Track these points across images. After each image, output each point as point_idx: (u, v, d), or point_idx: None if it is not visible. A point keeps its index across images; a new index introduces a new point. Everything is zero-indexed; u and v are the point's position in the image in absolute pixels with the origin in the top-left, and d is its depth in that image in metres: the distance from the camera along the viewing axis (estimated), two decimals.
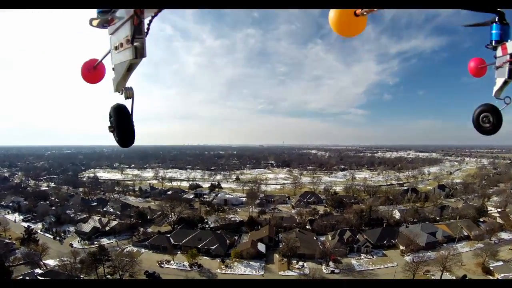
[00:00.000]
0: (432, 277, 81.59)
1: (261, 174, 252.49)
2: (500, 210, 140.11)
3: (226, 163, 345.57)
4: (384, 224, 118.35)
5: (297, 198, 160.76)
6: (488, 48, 6.60)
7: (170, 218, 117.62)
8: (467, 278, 75.65)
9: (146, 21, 3.60)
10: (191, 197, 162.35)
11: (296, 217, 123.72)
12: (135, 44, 3.59)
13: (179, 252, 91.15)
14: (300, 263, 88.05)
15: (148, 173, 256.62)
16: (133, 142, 4.34)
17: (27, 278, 71.03)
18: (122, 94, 4.26)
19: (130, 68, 3.95)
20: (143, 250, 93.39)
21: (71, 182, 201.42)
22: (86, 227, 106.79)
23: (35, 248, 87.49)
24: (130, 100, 4.31)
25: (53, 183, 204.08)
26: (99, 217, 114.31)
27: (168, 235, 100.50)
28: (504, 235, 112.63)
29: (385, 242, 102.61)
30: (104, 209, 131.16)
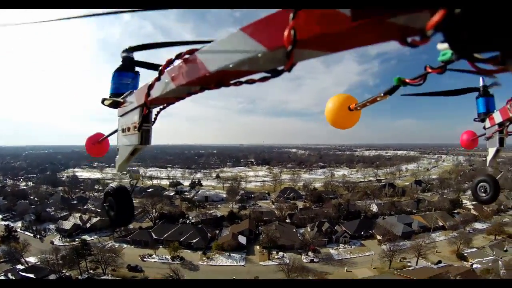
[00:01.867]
0: (408, 264, 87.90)
1: (241, 172, 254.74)
2: (474, 202, 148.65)
3: (207, 162, 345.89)
4: (362, 216, 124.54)
5: (276, 194, 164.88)
6: (476, 121, 7.35)
7: (151, 214, 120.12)
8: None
9: (154, 111, 3.84)
10: (172, 194, 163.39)
11: (276, 212, 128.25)
12: (142, 131, 3.84)
13: (160, 246, 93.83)
14: (280, 253, 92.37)
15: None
16: (129, 224, 4.76)
17: (9, 274, 71.89)
18: (126, 174, 4.71)
19: (134, 152, 4.25)
20: (124, 245, 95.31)
21: (50, 181, 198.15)
22: (67, 225, 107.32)
23: (15, 246, 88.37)
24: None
25: (31, 183, 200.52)
26: (79, 215, 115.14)
27: (150, 230, 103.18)
28: (478, 225, 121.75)
29: (362, 232, 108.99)
30: (85, 207, 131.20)
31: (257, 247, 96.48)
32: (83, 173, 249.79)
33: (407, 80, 2.55)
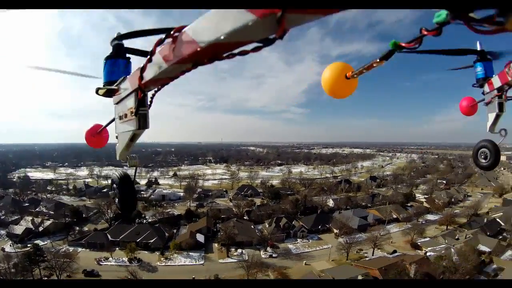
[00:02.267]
0: (365, 254, 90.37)
1: (199, 170, 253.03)
2: (426, 196, 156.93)
3: (164, 160, 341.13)
4: (319, 211, 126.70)
5: (234, 192, 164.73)
6: (475, 86, 7.38)
7: (106, 215, 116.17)
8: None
9: (150, 94, 3.83)
10: None
11: (233, 209, 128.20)
12: (138, 115, 3.86)
13: (117, 248, 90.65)
14: (239, 250, 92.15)
15: (83, 172, 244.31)
16: (135, 210, 5.78)
17: None
18: (126, 162, 4.83)
19: (133, 138, 4.32)
20: (79, 249, 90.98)
21: (0, 183, 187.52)
22: (18, 229, 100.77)
23: None
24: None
25: None
26: (31, 218, 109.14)
27: (106, 232, 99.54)
28: (430, 217, 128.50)
29: (319, 227, 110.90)
30: (37, 209, 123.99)
31: (216, 245, 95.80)
32: (35, 173, 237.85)
33: (403, 44, 2.47)
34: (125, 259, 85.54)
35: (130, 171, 5.13)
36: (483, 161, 7.61)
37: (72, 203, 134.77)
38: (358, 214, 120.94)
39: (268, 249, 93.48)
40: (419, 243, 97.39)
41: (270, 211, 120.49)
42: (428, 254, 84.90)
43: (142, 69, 3.21)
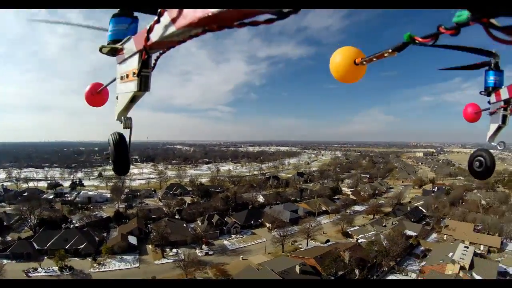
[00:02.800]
0: (300, 246, 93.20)
1: None
2: (352, 189, 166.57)
3: (88, 160, 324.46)
4: (250, 207, 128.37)
5: (163, 191, 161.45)
6: (483, 94, 7.29)
7: (30, 222, 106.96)
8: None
9: (154, 56, 3.82)
10: (51, 197, 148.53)
11: (164, 208, 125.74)
12: (141, 77, 3.88)
13: (45, 257, 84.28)
14: (174, 250, 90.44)
15: (0, 174, 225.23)
16: (127, 171, 4.84)
17: None
18: (121, 123, 4.73)
19: (133, 99, 4.29)
20: (5, 260, 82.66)
21: None
22: None
23: None
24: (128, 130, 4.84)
25: None
26: None
27: (31, 240, 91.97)
28: (357, 208, 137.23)
29: (252, 222, 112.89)
30: None
31: (149, 246, 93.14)
32: None
33: (418, 38, 2.50)
34: (56, 268, 79.73)
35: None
36: (477, 169, 7.69)
37: None
38: (289, 208, 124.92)
39: (204, 247, 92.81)
40: (349, 232, 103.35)
41: (201, 209, 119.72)
42: (359, 241, 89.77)
43: (149, 30, 3.18)
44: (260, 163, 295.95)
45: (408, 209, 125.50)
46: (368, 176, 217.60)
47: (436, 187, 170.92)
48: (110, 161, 4.65)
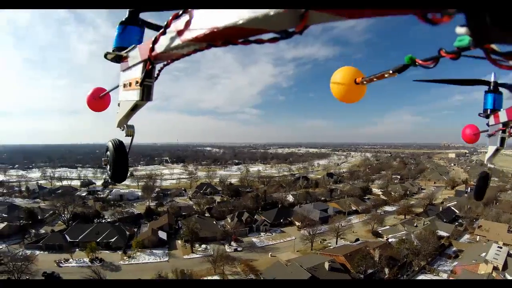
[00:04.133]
0: (329, 244, 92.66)
1: (156, 170, 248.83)
2: (382, 190, 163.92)
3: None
4: (279, 205, 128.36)
5: (193, 190, 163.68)
6: (481, 116, 7.35)
7: (63, 216, 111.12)
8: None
9: (158, 67, 3.84)
10: (84, 194, 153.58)
11: (194, 206, 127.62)
12: (143, 86, 3.86)
13: (77, 249, 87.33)
14: (203, 245, 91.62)
15: (35, 173, 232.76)
16: (125, 179, 4.86)
17: None
18: (123, 130, 4.74)
19: (135, 108, 4.27)
20: (37, 252, 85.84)
21: None
22: None
23: None
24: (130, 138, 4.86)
25: None
26: None
27: (63, 233, 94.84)
28: (388, 208, 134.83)
29: (282, 220, 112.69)
30: None
31: (179, 242, 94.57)
32: None
33: (418, 61, 2.45)
34: (86, 259, 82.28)
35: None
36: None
37: (25, 205, 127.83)
38: (319, 207, 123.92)
39: (233, 243, 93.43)
40: (380, 231, 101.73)
41: (231, 207, 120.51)
42: (390, 240, 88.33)
43: (155, 41, 3.20)
44: (290, 164, 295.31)
45: (440, 209, 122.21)
46: (399, 177, 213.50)
47: (469, 188, 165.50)
48: (108, 168, 4.74)
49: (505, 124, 6.81)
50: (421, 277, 73.30)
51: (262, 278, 69.99)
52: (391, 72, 3.08)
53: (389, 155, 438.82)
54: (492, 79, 6.93)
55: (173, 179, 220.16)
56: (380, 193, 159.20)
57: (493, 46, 1.54)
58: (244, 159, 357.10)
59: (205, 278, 71.59)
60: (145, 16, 4.72)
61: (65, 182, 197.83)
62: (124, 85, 4.38)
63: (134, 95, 4.02)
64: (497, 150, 7.28)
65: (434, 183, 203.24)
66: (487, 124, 7.35)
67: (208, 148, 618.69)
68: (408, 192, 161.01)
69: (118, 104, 4.70)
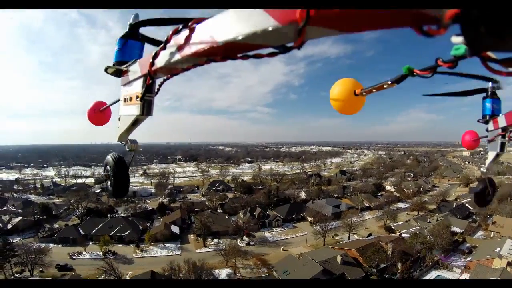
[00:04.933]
0: (341, 240, 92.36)
1: (169, 168, 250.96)
2: (395, 187, 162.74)
3: (132, 159, 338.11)
4: (292, 201, 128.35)
5: (206, 187, 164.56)
6: (480, 122, 7.32)
7: (77, 212, 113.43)
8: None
9: (158, 81, 3.85)
10: (98, 191, 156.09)
11: (206, 203, 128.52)
12: (144, 101, 3.88)
13: (90, 243, 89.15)
14: (215, 240, 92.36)
15: (49, 172, 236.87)
16: (126, 194, 4.91)
17: None
18: (125, 145, 4.76)
19: (135, 122, 4.27)
20: (51, 245, 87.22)
21: None
22: None
23: None
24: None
25: None
26: None
27: (77, 226, 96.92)
28: (401, 205, 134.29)
29: (294, 216, 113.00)
30: (4, 207, 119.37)
31: (191, 236, 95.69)
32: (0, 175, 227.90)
33: (416, 71, 2.54)
34: (99, 252, 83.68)
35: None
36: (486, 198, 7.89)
37: (40, 201, 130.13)
38: (331, 203, 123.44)
39: (245, 237, 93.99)
40: (392, 227, 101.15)
41: (243, 203, 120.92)
42: (403, 235, 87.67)
43: (155, 56, 3.21)
44: (302, 162, 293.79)
45: (454, 206, 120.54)
46: (412, 174, 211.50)
47: None
48: (109, 183, 4.76)
49: (504, 129, 6.78)
50: (434, 272, 72.65)
51: (274, 272, 70.41)
52: (389, 82, 3.19)
53: (403, 153, 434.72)
54: (489, 85, 6.94)
55: (186, 177, 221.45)
56: (393, 190, 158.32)
57: (490, 53, 1.56)
58: (256, 157, 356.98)
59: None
60: (145, 31, 4.73)
61: (79, 180, 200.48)
62: (125, 100, 4.40)
63: (134, 109, 4.05)
64: (497, 156, 7.23)
65: (448, 180, 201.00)
66: (487, 130, 7.29)
67: (221, 147, 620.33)
68: (421, 189, 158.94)
69: (119, 119, 4.71)
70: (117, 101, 4.83)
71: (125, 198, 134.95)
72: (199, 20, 2.49)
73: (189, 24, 2.56)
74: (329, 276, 65.78)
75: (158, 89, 3.93)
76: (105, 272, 66.94)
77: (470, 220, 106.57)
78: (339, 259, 69.92)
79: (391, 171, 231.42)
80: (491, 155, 7.28)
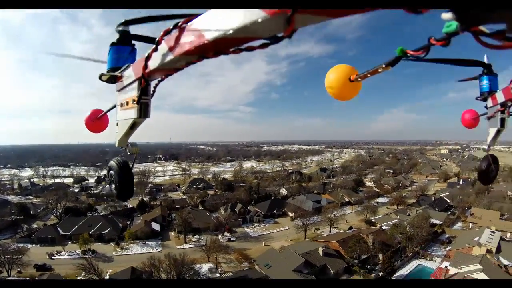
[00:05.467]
0: (323, 233, 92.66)
1: (149, 167, 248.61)
2: (375, 182, 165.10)
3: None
4: (272, 197, 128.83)
5: (187, 185, 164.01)
6: (479, 100, 7.23)
7: (56, 211, 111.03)
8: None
9: (153, 83, 3.90)
10: (77, 190, 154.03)
11: (187, 200, 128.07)
12: (140, 104, 3.92)
13: (69, 242, 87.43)
14: (196, 236, 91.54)
15: (27, 172, 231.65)
16: (131, 197, 4.96)
17: None
18: (126, 149, 4.82)
19: (134, 126, 4.32)
20: (29, 245, 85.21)
21: None
22: None
23: None
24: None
25: None
26: None
27: (56, 225, 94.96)
28: (380, 199, 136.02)
29: (275, 211, 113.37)
30: None
31: (172, 233, 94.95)
32: None
33: (410, 52, 2.53)
34: (79, 251, 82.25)
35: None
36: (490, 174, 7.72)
37: (18, 201, 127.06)
38: (312, 198, 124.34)
39: (226, 233, 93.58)
40: (373, 220, 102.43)
41: (224, 200, 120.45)
42: (383, 228, 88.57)
43: (147, 58, 3.22)
44: (283, 160, 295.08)
45: (433, 199, 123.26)
46: (391, 171, 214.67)
47: (461, 180, 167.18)
48: (114, 187, 4.72)
49: (503, 105, 6.68)
50: (415, 261, 73.47)
51: (256, 265, 70.00)
52: (384, 66, 3.13)
53: (382, 151, 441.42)
54: (485, 61, 6.76)
55: (166, 175, 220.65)
56: (373, 185, 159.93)
57: (481, 27, 1.56)
58: (237, 156, 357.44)
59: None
60: (135, 29, 4.68)
61: (57, 180, 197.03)
62: (121, 105, 4.42)
63: (132, 113, 4.07)
64: (498, 132, 7.05)
65: (427, 176, 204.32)
66: (486, 107, 7.18)
67: (202, 147, 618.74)
68: (400, 185, 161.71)
69: (117, 124, 4.71)
70: (114, 107, 4.84)
71: (105, 198, 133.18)
72: (188, 20, 2.53)
73: (179, 24, 2.61)
74: (311, 268, 65.88)
75: (154, 91, 3.96)
76: (85, 270, 65.47)
77: (449, 212, 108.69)
78: (320, 251, 70.09)
79: (370, 168, 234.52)
80: (491, 132, 7.15)
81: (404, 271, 69.82)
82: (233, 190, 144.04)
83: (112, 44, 4.64)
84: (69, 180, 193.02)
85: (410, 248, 76.25)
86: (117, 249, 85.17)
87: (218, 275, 68.40)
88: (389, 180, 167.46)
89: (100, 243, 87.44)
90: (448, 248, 77.10)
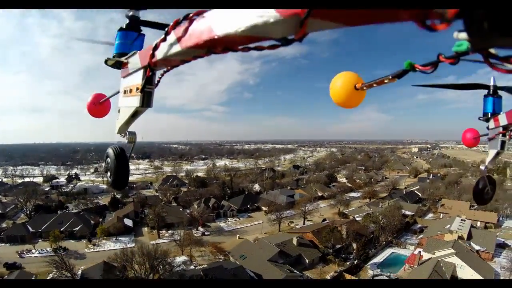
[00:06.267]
0: (297, 226, 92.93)
1: None
2: (347, 178, 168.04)
3: (84, 158, 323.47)
4: (246, 192, 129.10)
5: (160, 182, 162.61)
6: (481, 120, 7.33)
7: (25, 210, 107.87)
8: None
9: (158, 73, 3.85)
10: (47, 189, 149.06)
11: (160, 197, 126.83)
12: (144, 93, 3.87)
13: (40, 240, 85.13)
14: (170, 231, 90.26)
15: None
16: (126, 186, 4.95)
17: None
18: (124, 137, 4.72)
19: (135, 114, 4.27)
20: None
21: None
22: None
23: None
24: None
25: None
26: None
27: (26, 223, 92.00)
28: (353, 194, 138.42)
29: (249, 206, 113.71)
30: None
31: (145, 229, 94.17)
32: None
33: (418, 66, 2.42)
34: (50, 249, 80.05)
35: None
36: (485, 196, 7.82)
37: None
38: (285, 193, 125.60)
39: (200, 228, 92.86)
40: (346, 212, 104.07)
41: (197, 196, 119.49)
42: (356, 219, 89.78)
43: (155, 47, 3.16)
44: (256, 159, 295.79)
45: (404, 192, 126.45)
46: (363, 168, 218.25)
47: (431, 175, 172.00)
48: (109, 175, 4.72)
49: (505, 128, 6.78)
50: (389, 250, 74.67)
51: (230, 257, 69.57)
52: (390, 77, 3.04)
53: (354, 150, 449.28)
54: (491, 83, 6.93)
55: (139, 174, 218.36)
56: (345, 181, 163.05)
57: (492, 50, 1.55)
58: (210, 154, 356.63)
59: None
60: (146, 15, 4.65)
61: (27, 179, 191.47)
62: (125, 92, 4.37)
63: (134, 101, 4.02)
64: (497, 154, 7.22)
65: (398, 172, 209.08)
66: (487, 128, 7.26)
67: (175, 145, 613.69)
68: (372, 180, 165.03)
69: (118, 111, 4.67)
70: (117, 93, 4.81)
71: (75, 195, 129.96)
72: (200, 12, 2.48)
73: (190, 15, 2.56)
74: (286, 257, 65.91)
75: (158, 81, 3.92)
76: (56, 267, 63.36)
77: (420, 204, 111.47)
78: (295, 241, 70.53)
79: (343, 165, 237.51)
80: (491, 153, 7.28)
81: (378, 259, 71.21)
82: (206, 186, 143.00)
83: (120, 29, 4.60)
84: (39, 179, 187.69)
85: (383, 237, 77.72)
86: (89, 245, 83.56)
87: (192, 267, 67.49)
88: (361, 176, 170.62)
89: (71, 240, 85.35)
90: (421, 236, 79.18)
